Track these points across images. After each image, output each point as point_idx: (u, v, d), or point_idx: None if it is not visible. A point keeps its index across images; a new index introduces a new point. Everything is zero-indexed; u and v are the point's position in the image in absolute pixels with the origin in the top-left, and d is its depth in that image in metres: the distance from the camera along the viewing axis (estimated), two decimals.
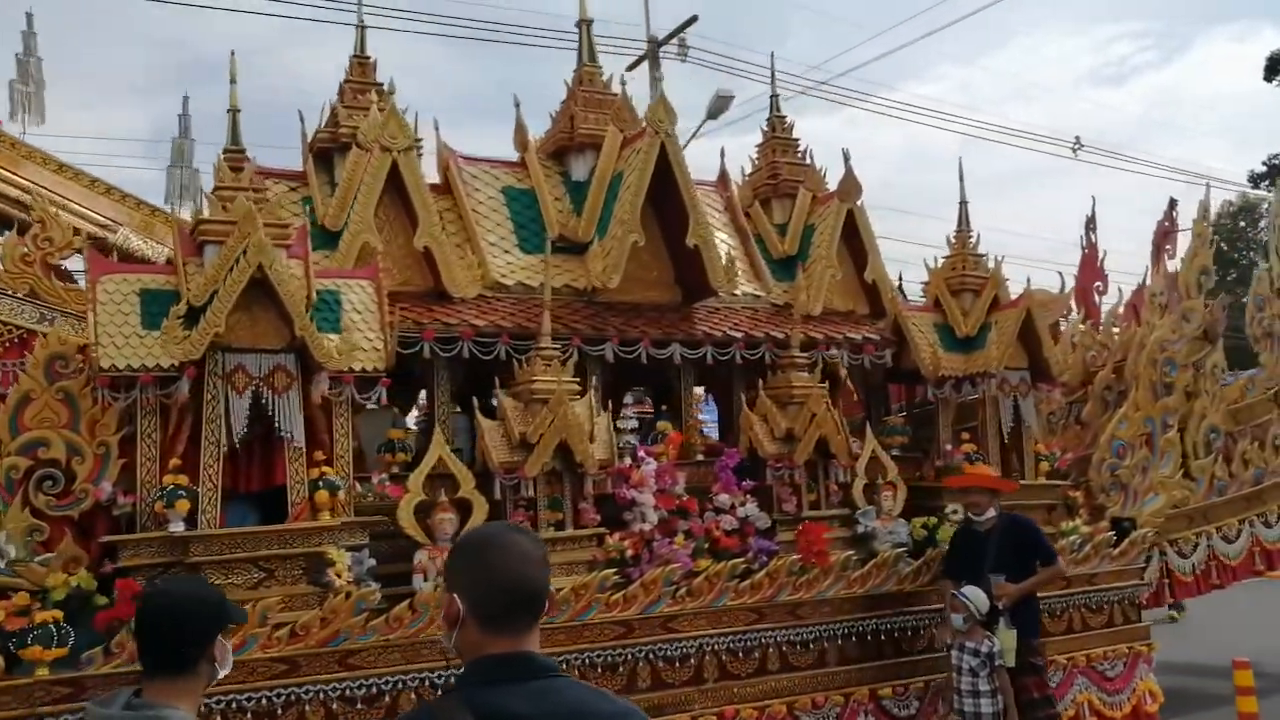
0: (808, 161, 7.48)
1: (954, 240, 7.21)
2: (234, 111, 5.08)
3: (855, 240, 7.14)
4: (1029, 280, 6.82)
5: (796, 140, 7.62)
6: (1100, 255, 9.90)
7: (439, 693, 4.55)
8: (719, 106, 16.42)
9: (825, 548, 5.76)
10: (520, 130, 6.81)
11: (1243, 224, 38.78)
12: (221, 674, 2.36)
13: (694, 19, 17.20)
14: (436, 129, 6.50)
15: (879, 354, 6.84)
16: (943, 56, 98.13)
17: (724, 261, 6.25)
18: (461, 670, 1.79)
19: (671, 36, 17.47)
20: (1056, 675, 6.45)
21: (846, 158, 7.09)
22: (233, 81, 5.10)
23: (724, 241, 7.06)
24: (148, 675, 2.27)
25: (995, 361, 6.59)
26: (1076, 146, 23.79)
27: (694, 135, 17.20)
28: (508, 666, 1.73)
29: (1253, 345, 9.29)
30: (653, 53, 17.62)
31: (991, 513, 5.77)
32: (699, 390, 7.85)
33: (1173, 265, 10.57)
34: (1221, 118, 76.01)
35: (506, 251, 6.18)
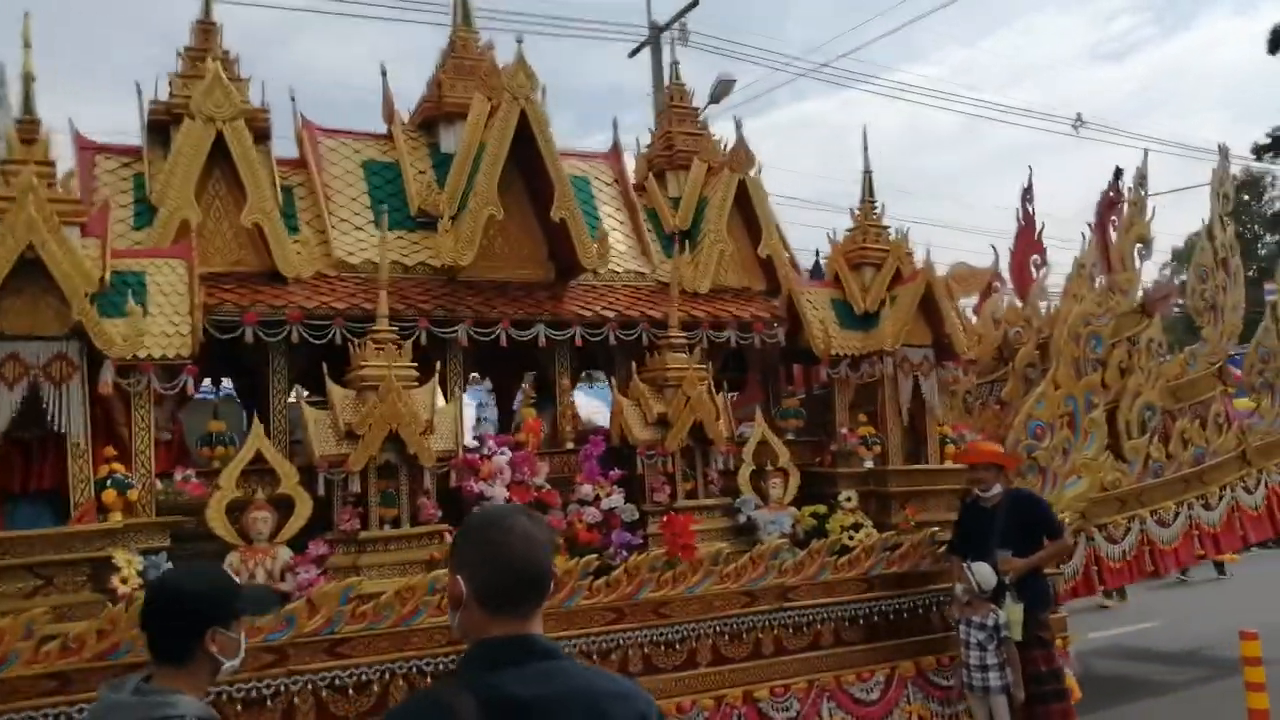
0: (703, 131, 7.07)
1: (857, 212, 6.79)
2: (27, 78, 4.69)
3: (750, 213, 6.73)
4: (928, 251, 6.40)
5: (696, 110, 7.21)
6: (1038, 227, 9.47)
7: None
8: (721, 91, 16.39)
9: (693, 540, 5.37)
10: (386, 100, 6.41)
11: (1246, 198, 38.11)
12: (229, 664, 2.33)
13: (695, 3, 16.98)
14: (293, 99, 6.10)
15: (769, 332, 6.43)
16: (945, 37, 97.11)
17: (596, 236, 5.85)
18: (464, 653, 1.78)
19: (673, 21, 17.34)
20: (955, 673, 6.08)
21: (738, 125, 6.68)
22: (26, 46, 4.72)
23: (610, 216, 6.67)
24: (154, 662, 2.29)
25: (890, 339, 6.19)
26: (1077, 124, 23.73)
27: (703, 115, 17.01)
28: (510, 649, 1.71)
29: (1194, 318, 8.86)
30: (654, 39, 17.50)
31: (997, 488, 5.75)
32: (598, 374, 7.47)
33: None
34: (1223, 91, 74.98)
35: (358, 228, 5.79)
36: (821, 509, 6.02)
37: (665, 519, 5.39)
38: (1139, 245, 8.65)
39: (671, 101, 7.13)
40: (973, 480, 5.90)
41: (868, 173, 6.87)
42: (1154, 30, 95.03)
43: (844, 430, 6.34)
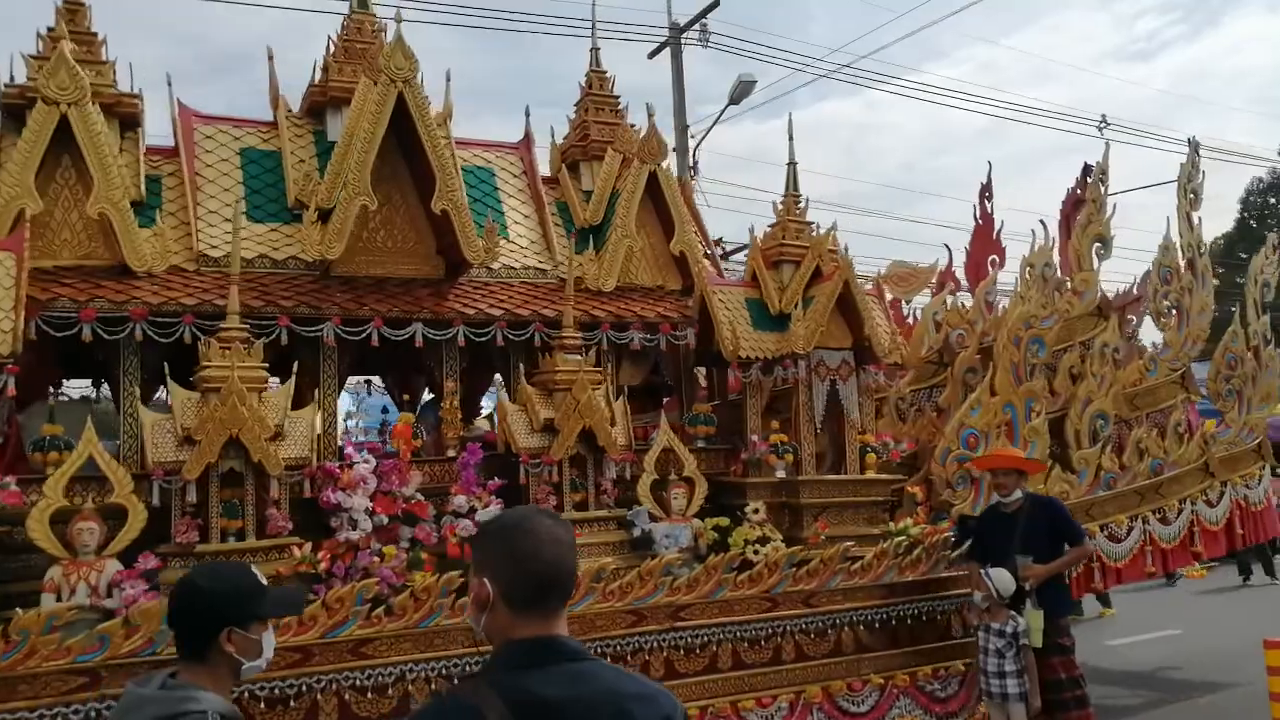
0: (620, 119, 6.69)
1: (780, 206, 6.41)
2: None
3: (664, 207, 6.36)
4: (846, 247, 6.01)
5: (616, 98, 6.83)
6: (997, 226, 9.06)
7: None
8: (741, 91, 16.36)
9: None
10: (272, 85, 6.07)
11: (1273, 200, 37.33)
12: (250, 665, 2.32)
13: (716, 4, 16.77)
14: (169, 84, 5.78)
15: (677, 334, 6.05)
16: (967, 38, 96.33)
17: (484, 230, 5.49)
18: (490, 655, 1.77)
19: (693, 22, 17.21)
20: (870, 696, 5.70)
21: (650, 113, 6.31)
22: None
23: (515, 210, 6.32)
24: (180, 659, 2.31)
25: (802, 340, 5.80)
26: (1102, 124, 23.32)
27: (717, 120, 17.30)
28: (537, 651, 1.71)
29: (1154, 321, 8.42)
30: (674, 39, 17.36)
31: (1018, 494, 5.66)
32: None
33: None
34: (1252, 91, 73.88)
35: (228, 220, 5.44)
36: (724, 521, 5.65)
37: None
38: (1097, 245, 8.24)
39: (589, 89, 6.76)
40: (994, 485, 5.86)
41: (792, 164, 6.49)
42: (1182, 30, 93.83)
43: (754, 438, 5.96)
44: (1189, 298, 8.46)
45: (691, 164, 16.61)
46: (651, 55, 17.61)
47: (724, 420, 6.29)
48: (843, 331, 6.06)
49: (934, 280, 7.59)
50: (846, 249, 6.00)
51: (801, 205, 6.40)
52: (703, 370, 7.10)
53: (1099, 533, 7.45)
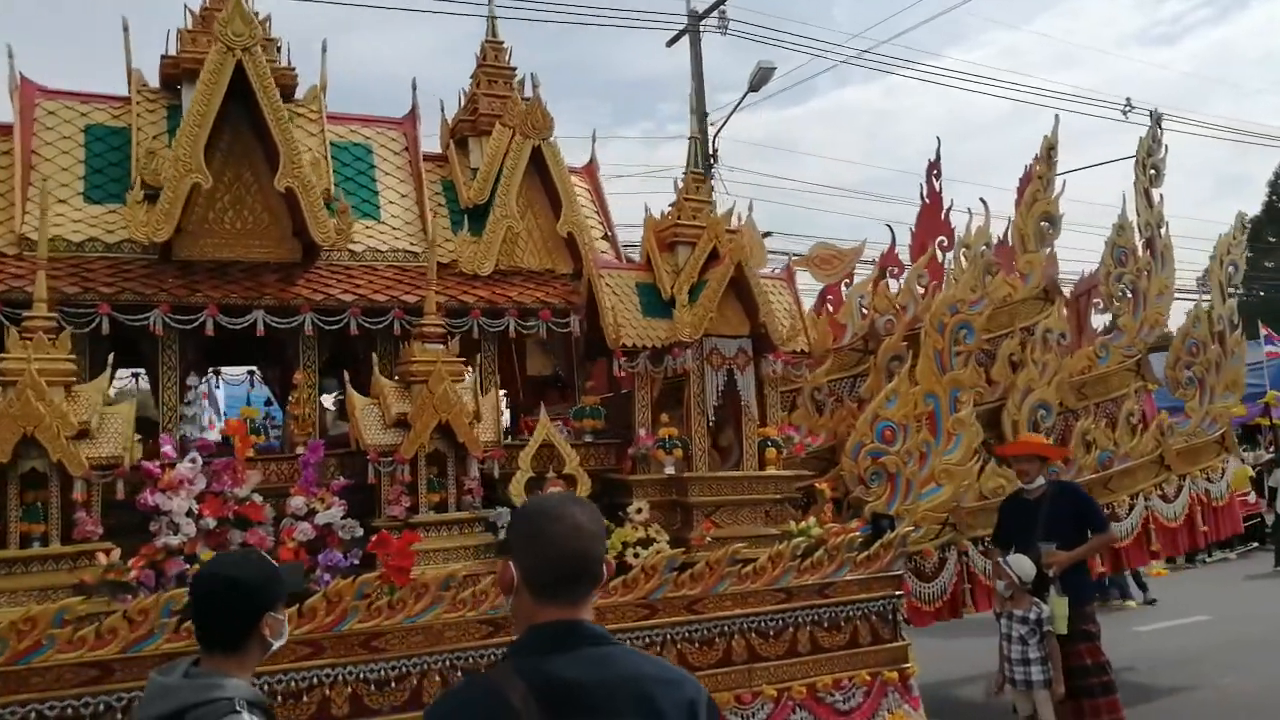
0: (512, 92, 6.26)
1: (679, 185, 5.98)
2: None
3: (553, 185, 5.94)
4: (745, 217, 5.56)
5: (511, 70, 6.40)
6: (945, 205, 8.58)
7: None
8: (761, 79, 16.26)
9: (409, 562, 4.61)
10: (127, 57, 5.68)
11: None
12: (276, 645, 2.41)
13: None
14: (10, 55, 5.41)
15: (559, 321, 5.64)
16: (988, 22, 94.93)
17: (336, 209, 5.10)
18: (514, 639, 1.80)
19: (712, 9, 17.11)
20: (763, 710, 5.29)
21: (535, 84, 5.88)
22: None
23: (392, 189, 5.93)
24: (203, 649, 2.35)
25: (688, 328, 5.37)
26: (1127, 108, 23.35)
27: (736, 108, 17.10)
28: (559, 635, 1.73)
29: (1106, 304, 7.93)
30: (693, 27, 17.17)
31: (1041, 480, 5.78)
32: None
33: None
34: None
35: (63, 201, 5.09)
36: (605, 523, 5.23)
37: (377, 536, 4.63)
38: (1045, 224, 7.75)
39: (483, 60, 6.33)
40: (1016, 472, 5.93)
41: (693, 139, 6.06)
42: (1208, 12, 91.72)
43: (641, 432, 5.55)
44: (1146, 280, 7.96)
45: (711, 152, 16.19)
46: (670, 43, 17.52)
47: (619, 414, 5.87)
48: (739, 318, 5.62)
49: (856, 262, 7.11)
50: (744, 226, 5.55)
51: (707, 184, 5.96)
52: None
53: None
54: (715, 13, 17.17)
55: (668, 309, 5.68)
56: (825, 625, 5.57)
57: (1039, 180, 7.66)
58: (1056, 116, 7.80)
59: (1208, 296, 8.41)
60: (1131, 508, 7.40)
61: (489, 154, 6.01)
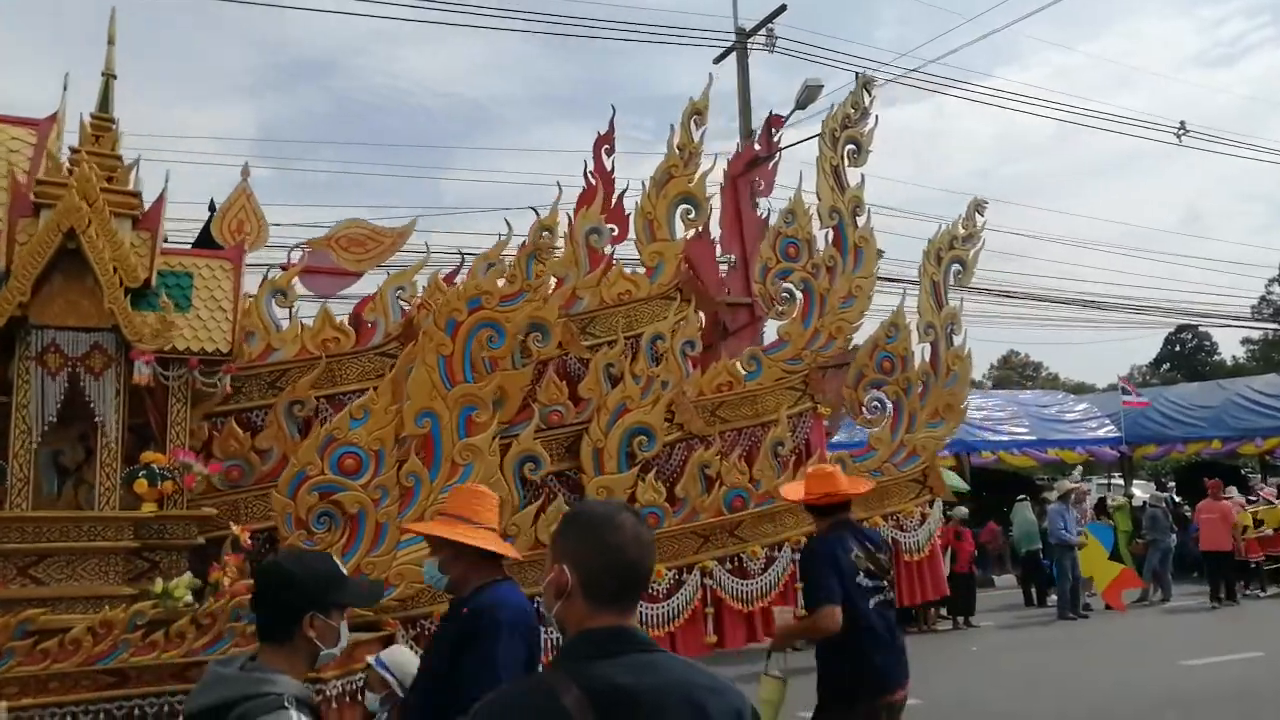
0: None
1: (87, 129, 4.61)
2: (108, 77, 4.55)
3: None
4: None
5: None
6: (617, 190, 7.12)
7: None
8: (808, 96, 15.91)
9: None
10: None
11: None
12: (327, 651, 2.38)
13: (783, 8, 16.73)
14: None
15: None
16: (1041, 43, 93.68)
17: None
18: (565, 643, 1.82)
19: (760, 27, 17.18)
20: None
21: None
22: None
23: None
24: (260, 642, 2.37)
25: None
26: (1181, 131, 23.27)
27: (784, 126, 16.07)
28: (612, 640, 1.75)
29: (766, 307, 6.44)
30: (740, 44, 17.25)
31: None
32: None
33: (764, 205, 7.86)
34: None
35: None
36: None
37: None
38: (684, 208, 6.32)
39: None
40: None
41: (107, 76, 4.70)
42: (1269, 33, 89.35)
43: None
44: (827, 277, 6.48)
45: (772, 165, 15.54)
46: (718, 60, 17.53)
47: None
48: (94, 304, 4.25)
49: (400, 247, 5.68)
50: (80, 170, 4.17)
51: (112, 134, 4.59)
52: None
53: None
54: (763, 30, 17.23)
55: None
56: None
57: (676, 154, 6.23)
58: (710, 77, 6.35)
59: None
60: (770, 562, 5.90)
61: None
